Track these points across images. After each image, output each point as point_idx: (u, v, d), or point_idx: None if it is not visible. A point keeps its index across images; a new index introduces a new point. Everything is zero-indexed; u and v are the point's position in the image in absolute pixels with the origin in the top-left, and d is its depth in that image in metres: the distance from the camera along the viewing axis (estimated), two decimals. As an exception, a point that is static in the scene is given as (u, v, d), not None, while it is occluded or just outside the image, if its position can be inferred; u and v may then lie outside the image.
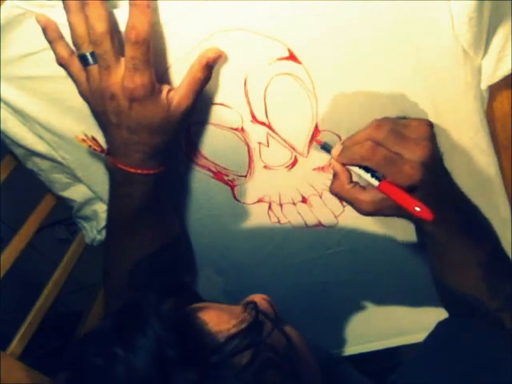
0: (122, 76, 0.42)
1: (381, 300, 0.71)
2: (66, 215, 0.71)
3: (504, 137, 0.51)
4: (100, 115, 0.46)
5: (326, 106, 0.49)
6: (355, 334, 0.75)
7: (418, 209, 0.41)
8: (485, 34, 0.43)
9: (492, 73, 0.45)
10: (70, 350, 0.39)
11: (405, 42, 0.43)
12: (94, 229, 0.70)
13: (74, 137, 0.55)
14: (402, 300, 0.70)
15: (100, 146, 0.49)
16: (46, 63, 0.48)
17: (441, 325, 0.52)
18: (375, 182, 0.43)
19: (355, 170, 0.44)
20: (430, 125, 0.42)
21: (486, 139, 0.49)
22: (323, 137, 0.50)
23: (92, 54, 0.42)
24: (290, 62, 0.46)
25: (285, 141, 0.52)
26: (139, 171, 0.47)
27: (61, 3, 0.44)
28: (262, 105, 0.49)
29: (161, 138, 0.46)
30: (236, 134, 0.52)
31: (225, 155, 0.54)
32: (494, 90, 0.47)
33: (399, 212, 0.44)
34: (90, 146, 0.49)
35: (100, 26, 0.40)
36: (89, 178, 0.61)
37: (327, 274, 0.67)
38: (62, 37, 0.44)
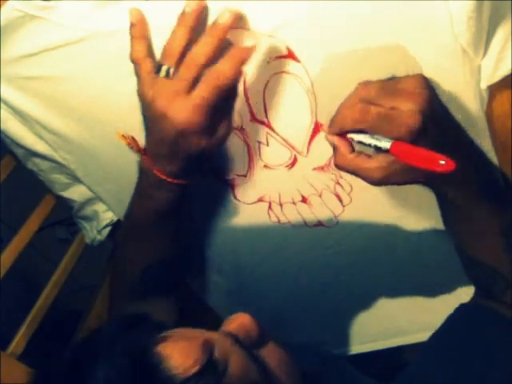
0: (182, 105, 0.42)
1: (381, 300, 0.71)
2: (66, 215, 0.71)
3: (504, 137, 0.51)
4: (149, 120, 0.45)
5: (325, 105, 0.48)
6: (355, 334, 0.75)
7: (442, 162, 0.36)
8: (484, 34, 0.43)
9: (492, 73, 0.45)
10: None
11: (404, 41, 0.43)
12: (94, 229, 0.70)
13: (73, 137, 0.55)
14: (402, 300, 0.70)
15: (139, 145, 0.48)
16: (46, 64, 0.48)
17: (451, 318, 0.52)
18: (386, 145, 0.39)
19: (357, 137, 0.41)
20: (424, 77, 0.40)
21: (486, 139, 0.49)
22: (322, 136, 0.50)
23: (169, 69, 0.42)
24: (289, 61, 0.46)
25: (284, 140, 0.52)
26: (169, 179, 0.47)
27: (60, 4, 0.44)
28: (262, 104, 0.49)
29: (197, 160, 0.47)
30: (236, 134, 0.52)
31: (225, 154, 0.55)
32: (494, 90, 0.47)
33: (411, 176, 0.41)
34: (128, 144, 0.48)
35: (204, 58, 0.41)
36: (89, 179, 0.61)
37: (327, 273, 0.67)
38: (146, 37, 0.44)
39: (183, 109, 0.42)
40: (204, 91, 0.41)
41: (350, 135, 0.42)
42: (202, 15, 0.42)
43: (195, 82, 0.42)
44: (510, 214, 0.47)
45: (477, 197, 0.44)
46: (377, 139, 0.40)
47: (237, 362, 0.37)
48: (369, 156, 0.41)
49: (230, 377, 0.35)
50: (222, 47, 0.42)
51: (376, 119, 0.39)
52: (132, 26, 0.43)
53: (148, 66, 0.44)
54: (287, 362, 0.41)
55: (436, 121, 0.39)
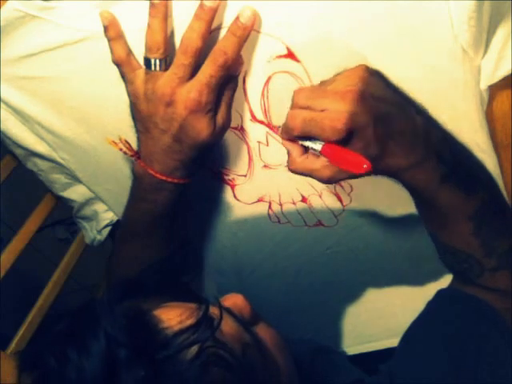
0: (189, 87, 0.43)
1: (380, 300, 0.71)
2: (66, 215, 0.71)
3: (504, 137, 0.51)
4: (146, 118, 0.46)
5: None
6: (355, 334, 0.75)
7: (364, 165, 0.37)
8: (485, 34, 0.43)
9: (492, 73, 0.45)
10: (32, 347, 0.40)
11: (404, 41, 0.43)
12: (94, 229, 0.70)
13: (73, 137, 0.55)
14: (402, 300, 0.70)
15: (132, 149, 0.49)
16: (46, 64, 0.48)
17: (429, 305, 0.52)
18: (318, 147, 0.40)
19: (301, 141, 0.42)
20: (364, 69, 0.39)
21: (486, 139, 0.49)
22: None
23: (160, 60, 0.43)
24: (289, 60, 0.46)
25: (284, 140, 0.52)
26: (169, 179, 0.48)
27: (60, 4, 0.44)
28: (262, 103, 0.49)
29: (199, 152, 0.47)
30: (236, 134, 0.52)
31: (224, 154, 0.55)
32: (494, 89, 0.47)
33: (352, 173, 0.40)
34: (120, 149, 0.48)
35: (198, 43, 0.42)
36: (89, 179, 0.61)
37: (327, 273, 0.67)
38: (122, 36, 0.44)
39: (192, 90, 0.43)
40: (211, 69, 0.43)
41: (300, 141, 0.42)
42: (170, 2, 0.42)
43: (194, 66, 0.43)
44: (481, 198, 0.46)
45: (439, 181, 0.43)
46: (313, 142, 0.40)
47: (229, 323, 0.38)
48: (317, 157, 0.42)
49: (223, 334, 0.36)
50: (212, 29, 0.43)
51: (303, 124, 0.40)
52: (106, 28, 0.44)
53: (133, 63, 0.45)
54: (279, 340, 0.42)
55: (374, 116, 0.38)
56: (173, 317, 0.37)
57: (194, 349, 0.34)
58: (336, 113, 0.37)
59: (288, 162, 0.44)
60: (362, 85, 0.38)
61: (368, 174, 0.38)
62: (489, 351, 0.45)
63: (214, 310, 0.38)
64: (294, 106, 0.41)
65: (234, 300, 0.41)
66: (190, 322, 0.36)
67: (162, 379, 0.34)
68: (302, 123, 0.40)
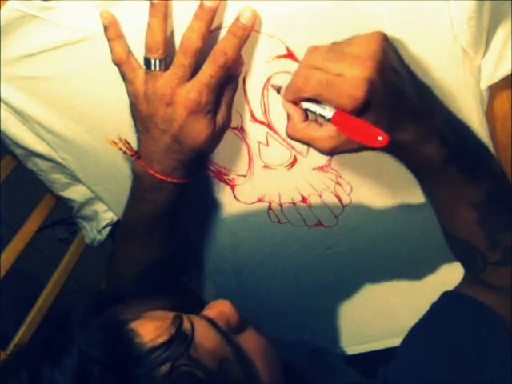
0: (189, 87, 0.43)
1: (381, 300, 0.71)
2: (66, 215, 0.71)
3: (504, 136, 0.51)
4: (146, 118, 0.46)
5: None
6: (355, 334, 0.75)
7: (380, 138, 0.34)
8: (485, 34, 0.43)
9: (492, 73, 0.45)
10: (5, 362, 0.39)
11: (404, 42, 0.43)
12: (94, 229, 0.70)
13: (73, 137, 0.55)
14: (402, 300, 0.70)
15: (132, 149, 0.49)
16: (46, 64, 0.48)
17: (432, 308, 0.51)
18: (328, 114, 0.37)
19: (305, 105, 0.39)
20: (382, 37, 0.37)
21: (486, 139, 0.49)
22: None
23: (160, 60, 0.43)
24: (289, 60, 0.46)
25: (284, 140, 0.52)
26: (169, 179, 0.48)
27: (60, 4, 0.44)
28: (261, 104, 0.49)
29: (199, 152, 0.47)
30: (235, 134, 0.52)
31: (224, 155, 0.54)
32: (494, 89, 0.47)
33: (360, 145, 0.38)
34: (120, 149, 0.48)
35: (198, 43, 0.42)
36: (89, 179, 0.61)
37: (327, 273, 0.67)
38: (122, 36, 0.44)
39: (191, 90, 0.43)
40: (211, 69, 0.42)
41: (302, 103, 0.40)
42: (170, 2, 0.42)
43: (194, 66, 0.43)
44: (486, 188, 0.45)
45: (444, 162, 0.42)
46: (322, 107, 0.38)
47: (209, 335, 0.37)
48: (320, 125, 0.39)
49: (199, 350, 0.35)
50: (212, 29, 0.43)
51: (317, 86, 0.37)
52: (106, 28, 0.44)
53: (133, 63, 0.45)
54: (265, 348, 0.41)
55: (390, 88, 0.37)
56: (149, 331, 0.35)
57: (166, 367, 0.33)
58: (356, 79, 0.35)
59: (287, 126, 0.42)
60: (382, 53, 0.36)
61: (381, 148, 0.35)
62: (490, 356, 0.45)
63: (194, 320, 0.37)
64: (305, 65, 0.38)
65: (221, 308, 0.40)
66: (163, 338, 0.35)
67: None
68: (316, 85, 0.37)
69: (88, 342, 0.34)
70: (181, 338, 0.35)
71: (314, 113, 0.39)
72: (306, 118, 0.41)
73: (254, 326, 0.42)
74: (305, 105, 0.40)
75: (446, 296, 0.52)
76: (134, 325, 0.36)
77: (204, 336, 0.36)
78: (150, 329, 0.36)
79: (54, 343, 0.36)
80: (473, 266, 0.49)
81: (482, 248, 0.47)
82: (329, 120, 0.37)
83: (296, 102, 0.40)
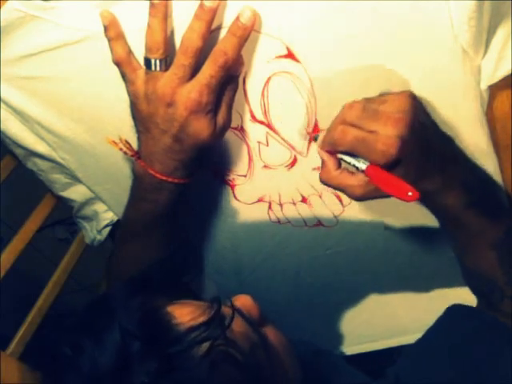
0: (190, 87, 0.43)
1: (381, 300, 0.71)
2: (66, 215, 0.71)
3: (504, 137, 0.51)
4: (146, 118, 0.46)
5: (325, 105, 0.48)
6: (355, 334, 0.75)
7: (409, 193, 0.38)
8: (485, 34, 0.43)
9: (492, 73, 0.45)
10: (48, 334, 0.41)
11: (404, 42, 0.43)
12: (94, 229, 0.70)
13: (73, 137, 0.55)
14: (402, 300, 0.70)
15: (133, 149, 0.49)
16: (46, 64, 0.48)
17: (443, 315, 0.52)
18: (362, 166, 0.41)
19: (340, 156, 0.43)
20: (411, 96, 0.40)
21: (486, 139, 0.49)
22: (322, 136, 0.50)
23: (161, 61, 0.43)
24: (289, 61, 0.46)
25: (284, 140, 0.52)
26: (170, 179, 0.48)
27: (60, 4, 0.44)
28: (262, 104, 0.49)
29: (199, 152, 0.47)
30: (236, 134, 0.52)
31: (225, 155, 0.54)
32: (494, 89, 0.47)
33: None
34: (120, 149, 0.48)
35: (198, 43, 0.42)
36: (89, 179, 0.61)
37: (327, 274, 0.67)
38: (122, 36, 0.44)
39: (192, 90, 0.43)
40: (211, 70, 0.43)
41: (338, 154, 0.43)
42: (170, 2, 0.42)
43: (194, 66, 0.43)
44: (504, 228, 0.47)
45: (466, 207, 0.45)
46: (356, 159, 0.42)
47: (239, 322, 0.39)
48: (352, 173, 0.43)
49: (233, 333, 0.37)
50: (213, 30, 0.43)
51: (353, 142, 0.40)
52: (106, 28, 0.44)
53: (134, 63, 0.45)
54: (286, 343, 0.43)
55: (419, 143, 0.40)
56: (185, 313, 0.38)
57: (205, 345, 0.35)
58: (389, 138, 0.38)
59: (322, 172, 0.45)
60: (412, 112, 0.39)
61: (411, 201, 0.39)
62: (498, 365, 0.45)
63: (225, 309, 0.39)
64: (342, 121, 0.41)
65: (243, 301, 0.42)
66: (202, 319, 0.37)
67: (173, 373, 0.34)
68: (352, 141, 0.40)
69: (129, 320, 0.36)
70: (219, 320, 0.37)
71: (349, 163, 0.43)
72: (339, 166, 0.44)
73: (273, 324, 0.43)
74: (340, 155, 0.43)
75: (461, 308, 0.53)
76: (170, 308, 0.38)
77: (236, 322, 0.38)
78: (185, 312, 0.38)
79: (94, 320, 0.38)
80: (490, 296, 0.50)
81: (501, 283, 0.48)
82: (362, 171, 0.41)
83: (331, 152, 0.44)
